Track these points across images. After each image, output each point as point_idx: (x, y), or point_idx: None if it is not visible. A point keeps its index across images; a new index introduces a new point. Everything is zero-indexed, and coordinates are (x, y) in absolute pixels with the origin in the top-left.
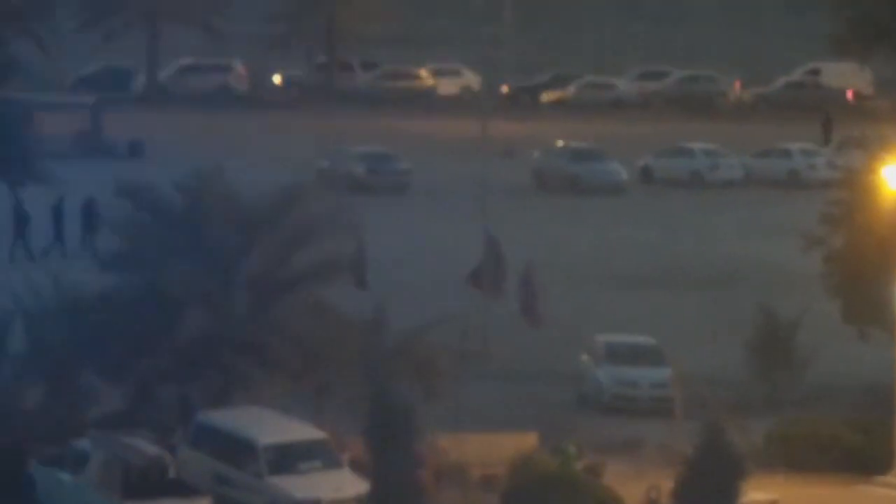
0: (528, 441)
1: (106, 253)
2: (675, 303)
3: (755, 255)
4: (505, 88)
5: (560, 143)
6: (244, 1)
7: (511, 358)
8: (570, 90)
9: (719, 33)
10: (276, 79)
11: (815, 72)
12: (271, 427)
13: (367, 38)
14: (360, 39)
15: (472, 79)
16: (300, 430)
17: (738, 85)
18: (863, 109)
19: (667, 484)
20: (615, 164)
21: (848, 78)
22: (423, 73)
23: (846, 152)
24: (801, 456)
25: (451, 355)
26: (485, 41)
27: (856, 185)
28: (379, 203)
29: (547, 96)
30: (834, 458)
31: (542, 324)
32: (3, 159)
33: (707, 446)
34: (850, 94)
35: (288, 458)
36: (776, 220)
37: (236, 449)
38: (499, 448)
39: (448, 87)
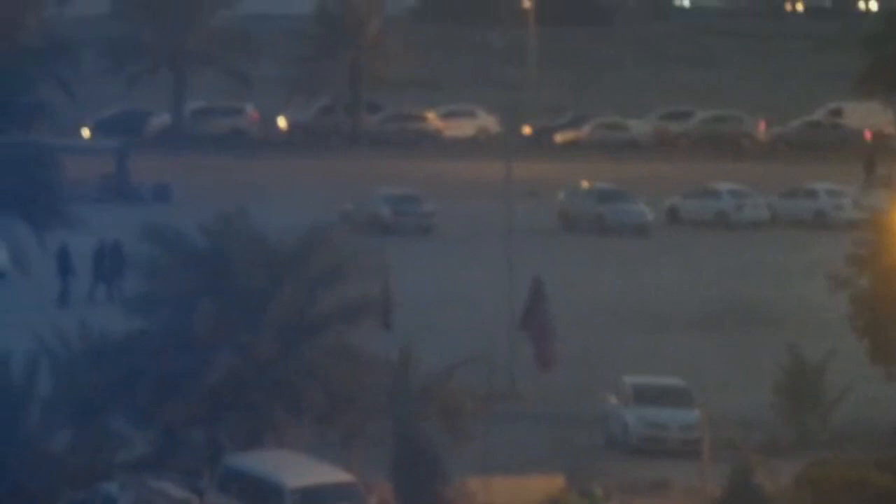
0: (555, 483)
1: (132, 296)
2: (702, 344)
3: (782, 297)
4: (527, 129)
5: (586, 183)
6: (268, 44)
7: (538, 399)
8: (584, 130)
9: (743, 74)
10: (281, 122)
11: (837, 112)
12: (299, 470)
13: (390, 82)
14: (382, 82)
15: (487, 120)
16: (328, 473)
17: (762, 125)
18: (886, 149)
19: None
20: (641, 205)
21: (870, 117)
22: (431, 115)
23: (872, 192)
24: (829, 498)
25: (478, 397)
26: (507, 83)
27: (882, 226)
28: (404, 244)
29: (561, 137)
30: (863, 500)
31: (553, 367)
32: (30, 203)
33: (735, 488)
34: (868, 135)
35: (315, 501)
36: (803, 261)
37: (264, 492)
38: (526, 490)
39: (462, 129)
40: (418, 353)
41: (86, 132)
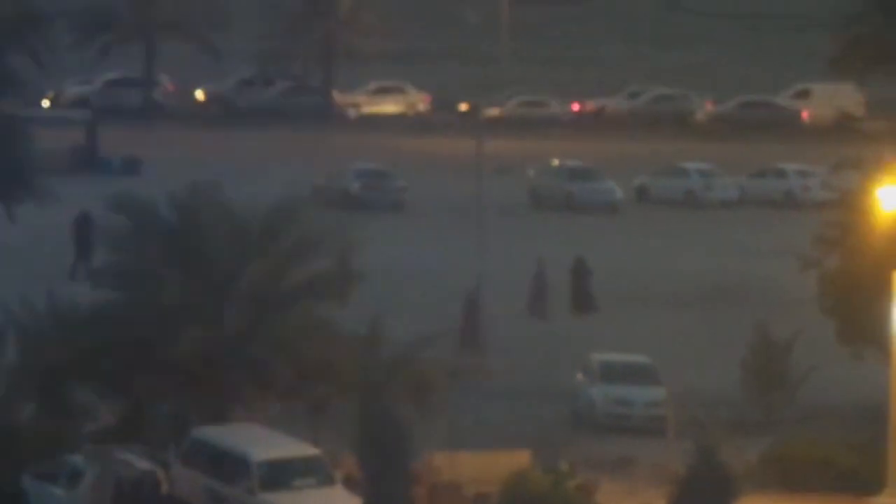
0: (521, 459)
1: (101, 268)
2: (670, 322)
3: (750, 275)
4: (464, 106)
5: (555, 161)
6: (241, 17)
7: (506, 375)
8: (507, 107)
9: (720, 54)
10: (199, 94)
11: (805, 93)
12: (265, 443)
13: (364, 55)
14: (356, 56)
15: (416, 97)
16: (294, 447)
17: (708, 105)
18: (854, 130)
19: (659, 503)
20: (610, 183)
21: (837, 99)
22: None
23: (841, 173)
24: (795, 476)
25: (446, 372)
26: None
27: (851, 207)
28: (375, 219)
29: (486, 113)
30: (828, 479)
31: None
32: (1, 175)
33: (700, 466)
34: (804, 115)
35: (281, 474)
36: (771, 241)
37: (229, 465)
38: (492, 466)
39: (391, 105)
40: (387, 328)
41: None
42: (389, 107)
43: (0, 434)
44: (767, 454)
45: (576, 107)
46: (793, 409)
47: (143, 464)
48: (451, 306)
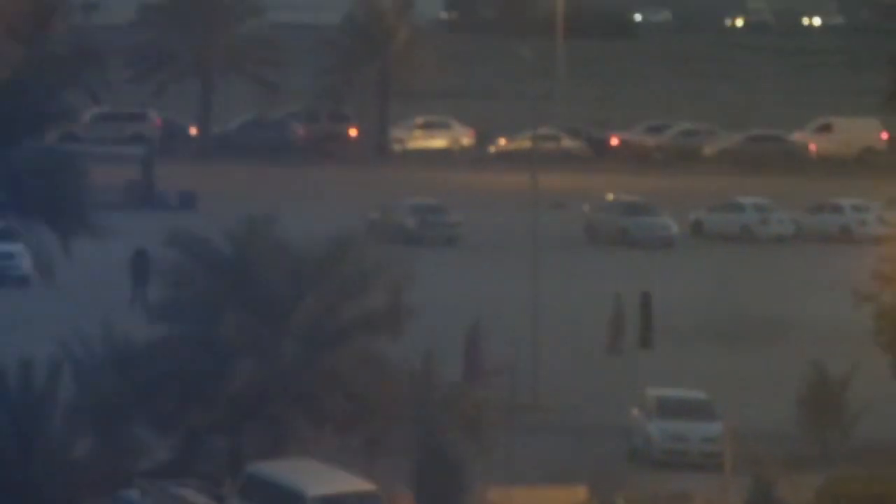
0: (578, 495)
1: (156, 303)
2: (725, 357)
3: (806, 311)
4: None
5: (611, 196)
6: (296, 54)
7: (560, 410)
8: (520, 142)
9: (765, 89)
10: (193, 130)
11: (827, 126)
12: (320, 478)
13: (418, 93)
14: (410, 93)
15: (461, 132)
16: (349, 482)
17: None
18: (876, 164)
19: None
20: (666, 218)
21: (859, 132)
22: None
23: None
24: None
25: (501, 407)
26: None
27: None
28: (430, 254)
29: (494, 148)
30: None
31: (484, 378)
32: (55, 210)
33: (756, 502)
34: (812, 148)
35: None
36: (827, 276)
37: (285, 500)
38: (548, 501)
39: (436, 140)
40: (442, 363)
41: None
42: (434, 142)
43: (56, 469)
44: (823, 490)
45: (615, 140)
46: (849, 445)
47: (198, 499)
48: (506, 342)
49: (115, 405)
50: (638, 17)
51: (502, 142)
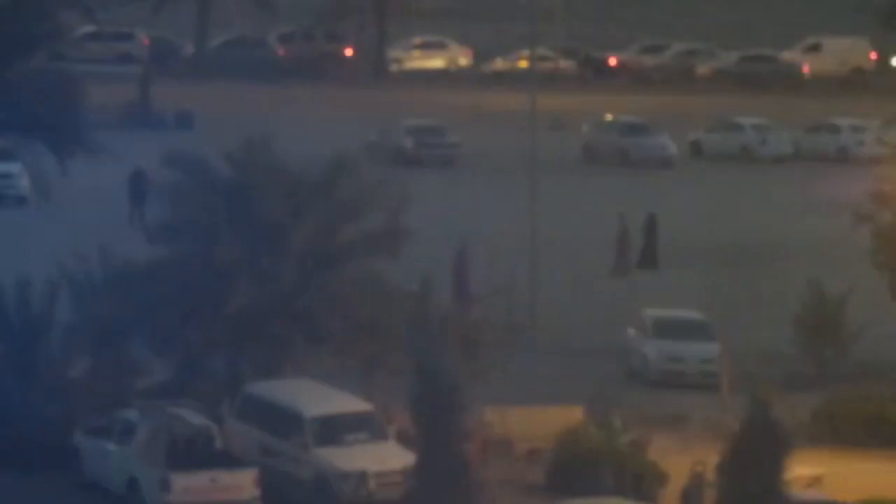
0: (573, 415)
1: (154, 223)
2: (723, 277)
3: (804, 231)
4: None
5: (609, 116)
6: None
7: (558, 332)
8: (518, 62)
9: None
10: (189, 48)
11: (816, 46)
12: (318, 399)
13: (417, 11)
14: (409, 12)
15: (458, 52)
16: (346, 402)
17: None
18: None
19: (712, 459)
20: (665, 138)
21: (847, 53)
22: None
23: (894, 128)
24: (847, 432)
25: (498, 328)
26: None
27: None
28: (428, 175)
29: (489, 68)
30: (880, 434)
31: (472, 304)
32: (53, 130)
33: (753, 421)
34: (806, 69)
35: (334, 429)
36: (825, 196)
37: (283, 420)
38: (545, 421)
39: (433, 61)
40: (439, 285)
41: None
42: (432, 62)
43: (54, 389)
44: (820, 410)
45: (613, 61)
46: (846, 365)
47: (196, 419)
48: (503, 263)
49: (113, 325)
50: None
51: (498, 62)
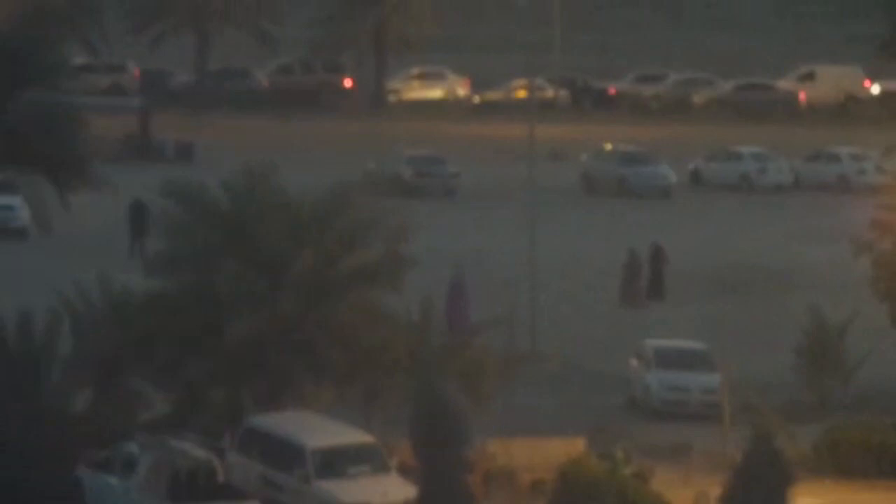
0: (576, 446)
1: (155, 255)
2: (723, 307)
3: (804, 260)
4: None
5: (608, 146)
6: (292, 4)
7: (560, 361)
8: (502, 92)
9: (767, 38)
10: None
11: (810, 75)
12: (320, 431)
13: (414, 43)
14: (406, 44)
15: (456, 82)
16: (348, 434)
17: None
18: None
19: (715, 490)
20: (664, 168)
21: (842, 81)
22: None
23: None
24: (850, 461)
25: (499, 358)
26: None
27: None
28: (428, 206)
29: (479, 98)
30: (883, 464)
31: (469, 333)
32: (53, 161)
33: (756, 452)
34: (802, 97)
35: (336, 462)
36: (825, 225)
37: (285, 453)
38: (547, 453)
39: (432, 91)
40: (440, 314)
41: None
42: (430, 92)
43: (55, 422)
44: (822, 440)
45: (611, 90)
46: (848, 394)
47: (198, 452)
48: (505, 293)
49: (113, 358)
50: None
51: (495, 92)
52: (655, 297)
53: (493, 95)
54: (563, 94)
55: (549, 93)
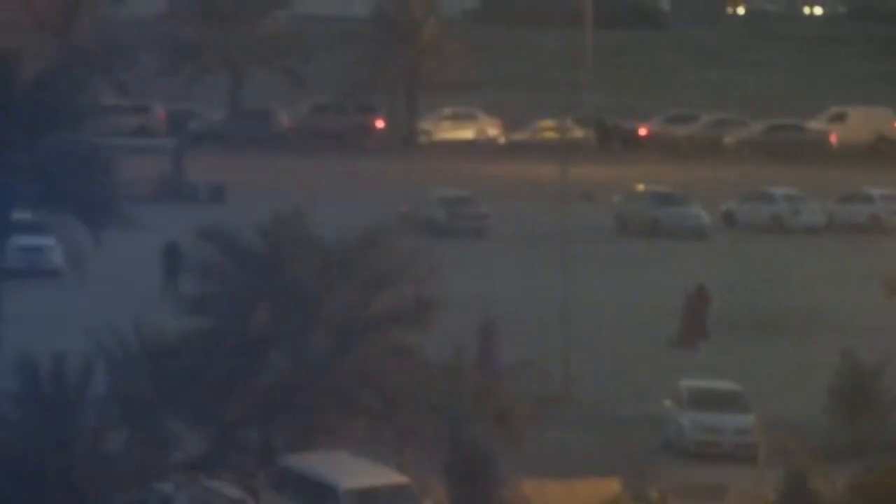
0: (610, 487)
1: (188, 296)
2: (757, 348)
3: (838, 301)
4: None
5: (641, 186)
6: (324, 45)
7: (593, 403)
8: (526, 133)
9: (795, 78)
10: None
11: (841, 116)
12: (353, 471)
13: (446, 84)
14: (438, 84)
15: (487, 123)
16: (382, 475)
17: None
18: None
19: None
20: (697, 209)
21: (873, 122)
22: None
23: None
24: (884, 503)
25: (531, 399)
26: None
27: None
28: (459, 246)
29: (506, 138)
30: None
31: (501, 376)
32: (86, 203)
33: (790, 493)
34: (833, 138)
35: (370, 502)
36: (859, 266)
37: (318, 493)
38: (581, 495)
39: (464, 131)
40: (472, 356)
41: None
42: (461, 133)
43: (89, 463)
44: (856, 481)
45: (642, 131)
46: (883, 435)
47: (232, 492)
48: (536, 334)
49: (147, 399)
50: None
51: (523, 132)
52: (702, 338)
53: (521, 136)
54: (591, 134)
55: (578, 133)
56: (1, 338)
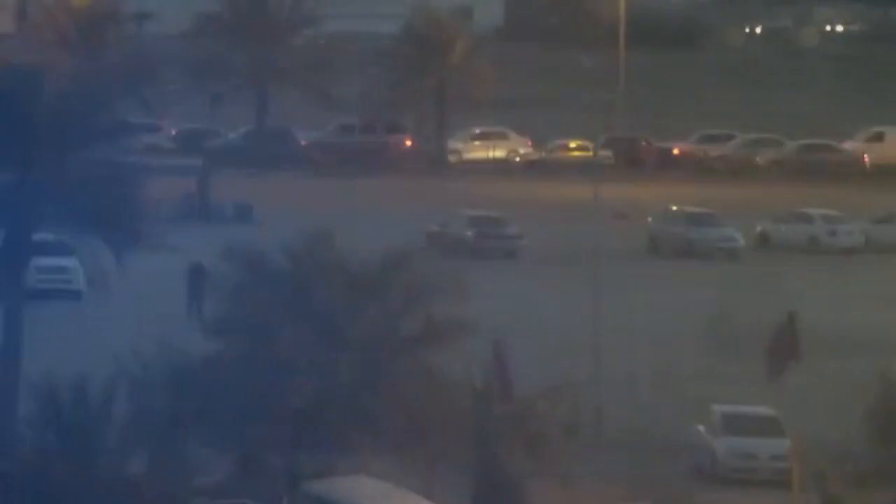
0: None
1: (212, 318)
2: (793, 371)
3: (875, 323)
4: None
5: (675, 207)
6: (354, 64)
7: (624, 428)
8: (542, 152)
9: (832, 98)
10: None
11: (879, 136)
12: (379, 497)
13: (476, 102)
14: (468, 103)
15: (518, 142)
16: (409, 501)
17: None
18: None
19: None
20: (731, 229)
21: None
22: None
23: None
24: None
25: (562, 425)
26: (594, 105)
27: None
28: (489, 267)
29: (521, 157)
30: None
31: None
32: (110, 223)
33: None
34: (865, 159)
35: None
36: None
37: None
38: None
39: (494, 150)
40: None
41: None
42: (491, 152)
43: (111, 487)
44: None
45: (676, 150)
46: None
47: None
48: (567, 357)
49: (170, 422)
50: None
51: (550, 151)
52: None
53: (550, 155)
54: (621, 153)
55: (610, 152)
56: (22, 360)
